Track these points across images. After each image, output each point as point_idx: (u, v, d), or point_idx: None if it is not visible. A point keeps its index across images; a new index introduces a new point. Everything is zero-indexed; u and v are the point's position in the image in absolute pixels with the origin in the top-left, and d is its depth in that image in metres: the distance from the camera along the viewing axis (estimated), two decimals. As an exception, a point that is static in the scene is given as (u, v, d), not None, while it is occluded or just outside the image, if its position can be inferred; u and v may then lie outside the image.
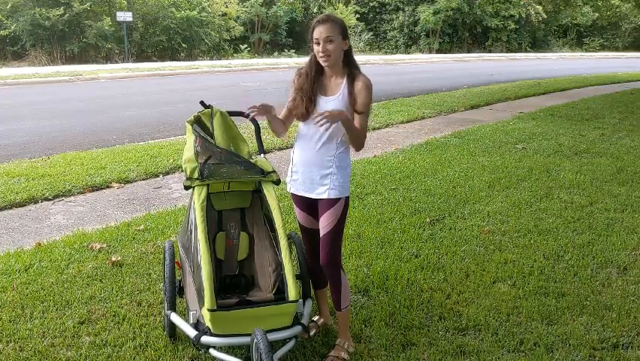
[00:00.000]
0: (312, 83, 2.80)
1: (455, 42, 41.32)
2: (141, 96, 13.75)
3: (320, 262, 2.86)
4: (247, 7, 31.88)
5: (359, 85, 2.74)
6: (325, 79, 2.83)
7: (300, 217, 3.00)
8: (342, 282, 2.86)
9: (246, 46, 31.48)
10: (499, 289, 3.64)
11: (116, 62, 24.60)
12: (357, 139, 2.77)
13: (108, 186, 5.92)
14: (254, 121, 3.35)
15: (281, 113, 2.94)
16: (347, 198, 2.86)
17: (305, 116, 2.81)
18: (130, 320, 3.20)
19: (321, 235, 2.82)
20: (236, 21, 31.07)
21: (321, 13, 35.63)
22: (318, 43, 2.69)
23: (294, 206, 3.02)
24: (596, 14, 44.47)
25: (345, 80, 2.77)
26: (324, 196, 2.80)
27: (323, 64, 2.74)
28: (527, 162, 6.97)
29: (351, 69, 2.79)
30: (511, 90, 15.27)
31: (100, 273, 3.79)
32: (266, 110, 2.81)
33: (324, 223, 2.81)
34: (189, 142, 3.08)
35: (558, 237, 4.54)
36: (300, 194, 2.92)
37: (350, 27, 37.00)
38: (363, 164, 6.67)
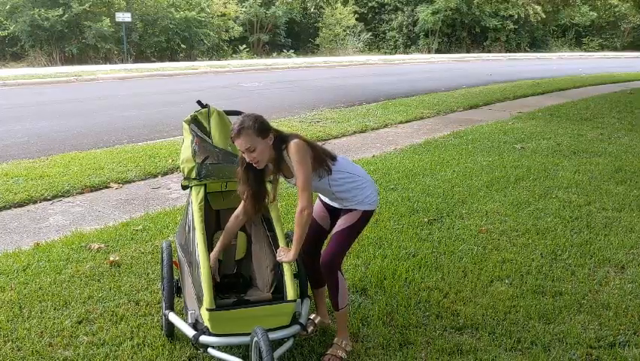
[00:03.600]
0: (250, 179, 2.76)
1: (454, 42, 41.34)
2: (140, 97, 13.75)
3: (320, 260, 2.87)
4: (246, 8, 31.89)
5: (290, 154, 2.67)
6: (275, 165, 2.78)
7: (317, 210, 3.03)
8: (339, 284, 2.87)
9: (245, 46, 31.50)
10: (497, 288, 3.65)
11: (115, 62, 24.60)
12: (302, 220, 2.68)
13: (107, 187, 5.92)
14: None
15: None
16: (365, 212, 2.88)
17: (257, 209, 2.87)
18: (128, 320, 3.20)
19: (332, 232, 2.90)
20: (235, 21, 31.08)
21: (319, 13, 35.54)
22: (243, 152, 2.65)
23: (317, 199, 3.06)
24: (595, 14, 44.48)
25: (286, 161, 2.73)
26: (342, 207, 2.91)
27: (259, 168, 2.70)
28: (526, 162, 6.98)
29: (282, 150, 2.70)
30: (510, 90, 15.28)
31: (98, 273, 3.79)
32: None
33: (339, 223, 2.89)
34: (186, 141, 3.09)
35: (556, 236, 4.55)
36: (325, 200, 3.04)
37: (349, 27, 37.03)
38: (362, 164, 6.67)
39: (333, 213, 2.99)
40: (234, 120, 3.28)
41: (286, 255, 2.72)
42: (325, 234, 3.05)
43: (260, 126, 2.64)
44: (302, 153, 2.65)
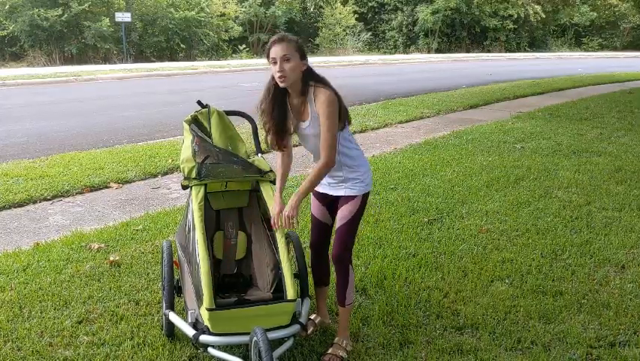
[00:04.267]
0: (274, 111, 2.75)
1: (454, 42, 41.33)
2: (140, 97, 13.75)
3: (331, 254, 2.88)
4: (245, 8, 31.87)
5: (319, 101, 2.66)
6: (294, 100, 2.76)
7: (315, 208, 3.02)
8: (349, 278, 2.88)
9: (244, 46, 31.48)
10: (497, 288, 3.65)
11: (115, 62, 24.59)
12: (321, 174, 2.71)
13: (107, 187, 5.92)
14: (251, 120, 3.37)
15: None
16: (365, 195, 2.88)
17: (283, 145, 2.84)
18: (128, 320, 3.20)
19: (337, 227, 2.87)
20: (234, 21, 31.07)
21: (319, 13, 35.63)
22: (275, 63, 2.62)
23: (312, 196, 3.02)
24: (595, 14, 44.49)
25: (308, 100, 2.71)
26: (342, 193, 2.87)
27: (281, 84, 2.65)
28: (526, 162, 6.98)
29: (309, 88, 2.69)
30: (510, 90, 15.28)
31: (98, 273, 3.79)
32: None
33: (340, 216, 2.85)
34: (187, 141, 3.09)
35: (556, 236, 4.55)
36: (320, 191, 2.98)
37: (349, 27, 37.01)
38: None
39: (331, 207, 2.96)
40: (234, 120, 3.29)
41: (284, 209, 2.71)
42: (330, 229, 3.03)
43: (301, 45, 2.68)
44: (333, 109, 2.65)
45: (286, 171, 2.98)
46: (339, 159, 2.79)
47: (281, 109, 2.75)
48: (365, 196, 2.88)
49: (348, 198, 2.85)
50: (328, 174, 2.84)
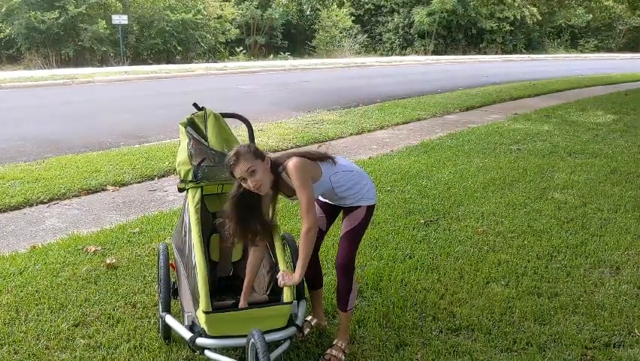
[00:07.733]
0: (243, 220, 2.72)
1: (450, 44, 41.39)
2: (136, 99, 13.74)
3: (336, 262, 2.90)
4: (243, 10, 31.89)
5: (291, 176, 2.65)
6: (276, 188, 2.76)
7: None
8: (353, 285, 2.90)
9: (241, 48, 31.48)
10: (493, 289, 3.66)
11: (112, 65, 24.56)
12: (310, 238, 2.66)
13: (103, 189, 5.92)
14: (247, 122, 3.38)
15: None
16: (369, 207, 2.90)
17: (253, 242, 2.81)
18: (124, 322, 3.20)
19: (341, 235, 2.90)
20: (231, 24, 31.08)
21: (316, 15, 35.55)
22: (245, 180, 2.59)
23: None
24: (590, 15, 44.58)
25: (285, 180, 2.72)
26: (346, 205, 2.91)
27: (261, 193, 2.66)
28: (522, 163, 7.00)
29: (280, 173, 2.69)
30: (506, 92, 15.31)
31: (95, 275, 3.79)
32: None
33: (345, 224, 2.89)
34: (183, 144, 3.10)
35: (552, 237, 4.56)
36: (323, 200, 3.01)
37: (345, 29, 37.08)
38: (359, 166, 6.68)
39: (330, 214, 3.00)
40: (229, 122, 3.29)
41: (290, 278, 2.63)
42: (323, 235, 3.05)
43: (255, 150, 2.63)
44: (302, 173, 2.64)
45: (257, 265, 2.86)
46: (339, 197, 2.85)
47: (247, 213, 2.71)
48: (370, 208, 2.91)
49: (352, 208, 2.89)
50: (335, 203, 2.93)
